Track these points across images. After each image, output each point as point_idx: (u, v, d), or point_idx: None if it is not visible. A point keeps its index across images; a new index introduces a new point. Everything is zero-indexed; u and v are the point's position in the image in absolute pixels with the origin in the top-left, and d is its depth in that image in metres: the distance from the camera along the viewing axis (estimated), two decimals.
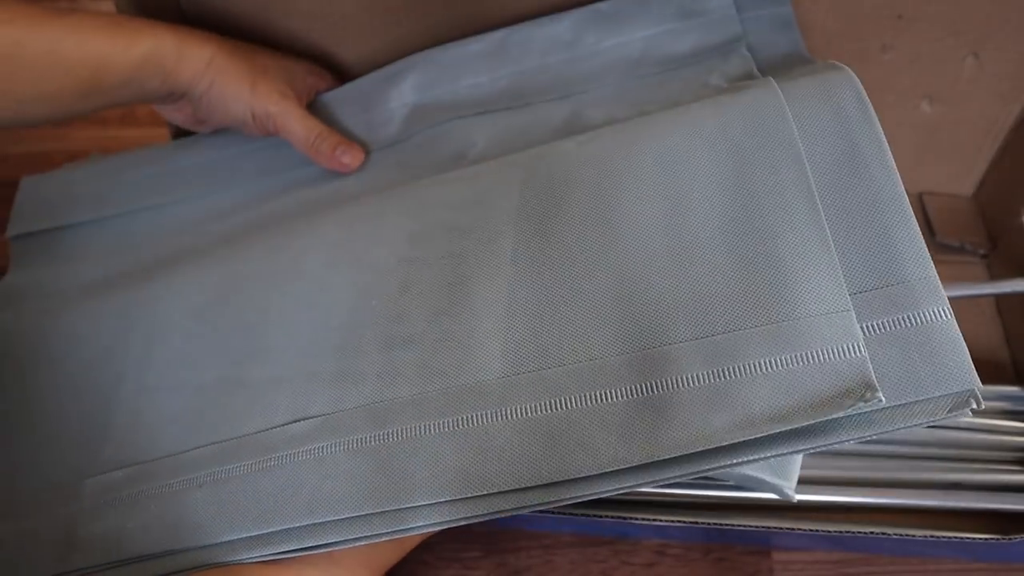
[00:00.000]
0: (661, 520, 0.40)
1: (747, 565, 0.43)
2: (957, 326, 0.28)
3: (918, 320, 0.28)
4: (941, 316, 0.28)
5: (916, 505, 0.42)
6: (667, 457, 0.28)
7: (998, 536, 0.37)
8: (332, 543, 0.30)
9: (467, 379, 0.31)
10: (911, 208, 0.30)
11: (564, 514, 0.38)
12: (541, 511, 0.30)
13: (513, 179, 0.36)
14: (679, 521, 0.40)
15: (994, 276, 0.54)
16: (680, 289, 0.30)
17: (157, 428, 0.36)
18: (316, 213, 0.41)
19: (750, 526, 0.38)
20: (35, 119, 0.39)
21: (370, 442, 0.31)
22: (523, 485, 0.29)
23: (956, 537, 0.39)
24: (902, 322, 0.28)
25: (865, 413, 0.27)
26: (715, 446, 0.27)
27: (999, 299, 0.52)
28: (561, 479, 0.28)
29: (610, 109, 0.41)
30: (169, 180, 0.47)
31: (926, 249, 0.29)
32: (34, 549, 0.35)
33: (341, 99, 0.46)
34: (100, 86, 0.38)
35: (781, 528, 0.38)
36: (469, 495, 0.29)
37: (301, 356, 0.35)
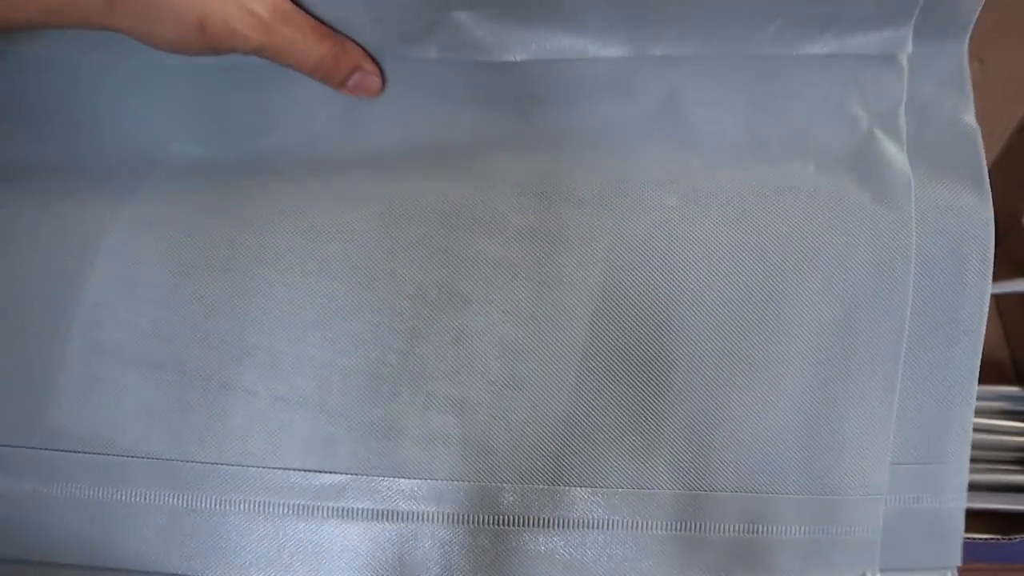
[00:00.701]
0: None
1: None
2: (964, 512, 0.31)
3: (938, 506, 0.31)
4: (957, 503, 0.31)
5: None
6: None
7: (998, 536, 0.37)
8: None
9: (512, 474, 0.29)
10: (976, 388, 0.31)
11: None
12: None
13: (599, 239, 0.30)
14: None
15: (994, 276, 0.54)
16: (742, 438, 0.30)
17: (124, 412, 0.30)
18: (340, 172, 0.33)
19: None
20: None
21: (401, 520, 0.30)
22: None
23: None
24: (924, 503, 0.31)
25: None
26: None
27: (999, 299, 0.52)
28: None
29: (719, 112, 0.32)
30: None
31: (971, 431, 0.31)
32: None
33: None
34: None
35: None
36: None
37: (317, 381, 0.30)
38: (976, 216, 0.31)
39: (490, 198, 0.31)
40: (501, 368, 0.30)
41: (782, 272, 0.30)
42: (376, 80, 0.33)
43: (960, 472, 0.31)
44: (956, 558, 0.31)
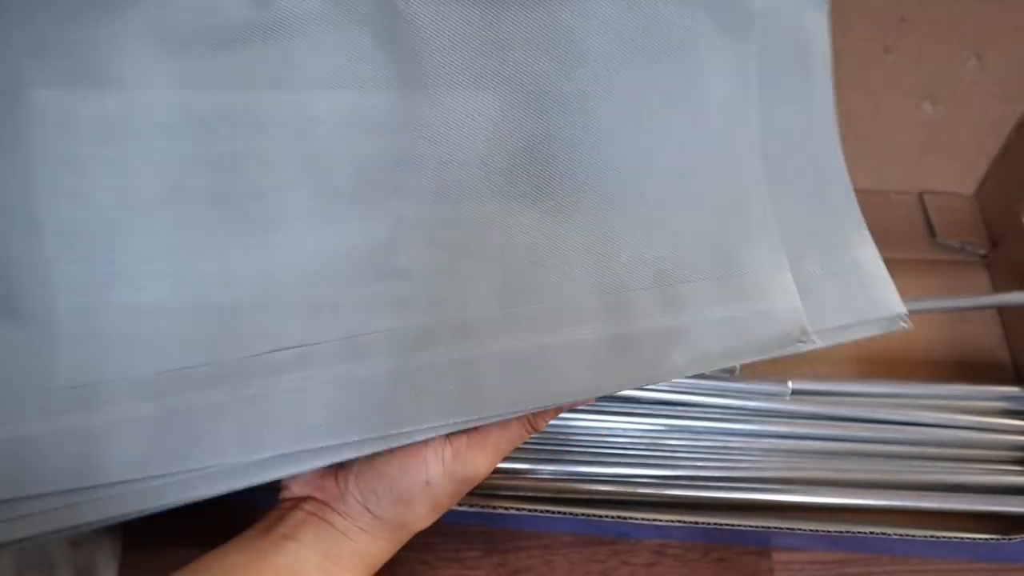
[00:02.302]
0: (661, 520, 0.40)
1: (747, 565, 0.43)
2: (883, 264, 0.35)
3: (853, 260, 0.35)
4: (872, 258, 0.35)
5: (916, 507, 0.42)
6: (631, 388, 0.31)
7: (998, 536, 0.37)
8: (315, 466, 0.30)
9: (454, 313, 0.32)
10: (841, 148, 0.35)
11: (564, 514, 0.38)
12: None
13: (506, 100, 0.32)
14: (679, 521, 0.40)
15: (994, 277, 0.54)
16: (646, 244, 0.32)
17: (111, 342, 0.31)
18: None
19: (750, 526, 0.38)
20: None
21: (352, 374, 0.31)
22: (501, 412, 0.30)
23: (956, 537, 0.39)
24: (840, 262, 0.35)
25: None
26: (673, 378, 0.32)
27: None
28: (536, 407, 0.31)
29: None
30: None
31: (853, 192, 0.35)
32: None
33: None
34: None
35: (781, 528, 0.39)
36: (453, 420, 0.30)
37: (267, 281, 0.31)
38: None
39: None
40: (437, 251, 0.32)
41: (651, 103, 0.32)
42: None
43: (861, 232, 0.35)
44: (896, 305, 0.34)
